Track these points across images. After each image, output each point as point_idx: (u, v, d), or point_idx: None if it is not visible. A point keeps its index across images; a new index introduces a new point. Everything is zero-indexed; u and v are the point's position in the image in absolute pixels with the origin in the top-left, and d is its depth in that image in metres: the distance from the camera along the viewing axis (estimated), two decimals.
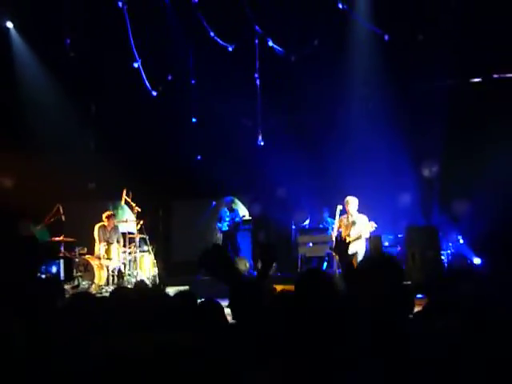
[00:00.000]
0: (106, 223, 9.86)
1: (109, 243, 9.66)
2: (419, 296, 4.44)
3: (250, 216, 12.44)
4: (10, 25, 11.36)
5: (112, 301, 3.08)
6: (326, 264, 10.46)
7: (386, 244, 10.11)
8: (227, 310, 2.77)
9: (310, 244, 10.65)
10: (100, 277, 9.44)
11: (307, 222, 11.49)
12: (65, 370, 2.01)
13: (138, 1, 10.31)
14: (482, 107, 10.21)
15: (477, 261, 9.93)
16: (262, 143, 11.19)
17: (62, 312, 2.56)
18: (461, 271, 8.99)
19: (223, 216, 11.42)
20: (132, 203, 10.30)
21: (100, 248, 9.64)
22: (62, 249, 9.73)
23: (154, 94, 11.10)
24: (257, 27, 10.58)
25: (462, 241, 10.26)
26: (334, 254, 8.38)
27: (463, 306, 2.49)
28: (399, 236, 10.23)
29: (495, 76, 10.81)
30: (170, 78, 11.46)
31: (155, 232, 11.84)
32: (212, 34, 10.62)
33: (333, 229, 8.79)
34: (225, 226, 11.35)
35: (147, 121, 11.74)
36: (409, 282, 8.13)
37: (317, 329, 1.97)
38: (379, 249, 9.85)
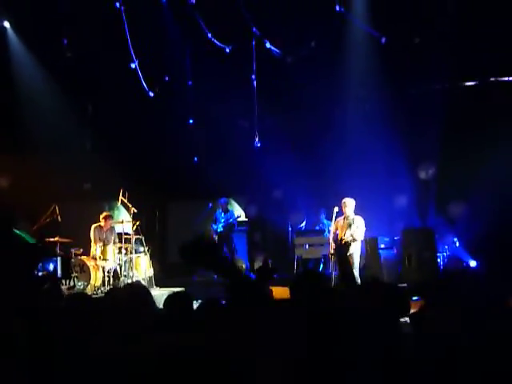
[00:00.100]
0: (102, 224, 9.84)
1: (105, 244, 9.64)
2: (415, 298, 4.46)
3: (246, 217, 12.43)
4: (7, 24, 11.35)
5: (107, 301, 3.07)
6: (322, 266, 10.47)
7: (382, 246, 10.11)
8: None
9: (307, 246, 10.65)
10: (96, 278, 9.41)
11: (304, 223, 11.50)
12: (65, 369, 2.01)
13: (135, 1, 10.30)
14: (478, 110, 10.25)
15: (472, 263, 9.94)
16: (259, 144, 11.19)
17: (60, 313, 2.55)
18: (456, 273, 9.01)
19: (218, 217, 11.42)
20: (128, 204, 10.28)
21: (96, 249, 9.62)
22: (58, 250, 9.70)
23: (151, 94, 11.10)
24: (254, 29, 10.58)
25: (457, 243, 10.28)
26: (331, 257, 8.35)
27: (458, 307, 2.49)
28: (395, 238, 10.23)
29: (491, 79, 10.85)
30: (167, 78, 11.46)
31: (151, 233, 11.83)
32: (209, 35, 10.63)
33: (329, 231, 8.79)
34: (220, 228, 11.36)
35: (144, 121, 11.73)
36: (405, 284, 8.17)
37: (314, 329, 1.96)
38: (375, 251, 9.87)
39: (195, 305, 3.21)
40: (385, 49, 10.29)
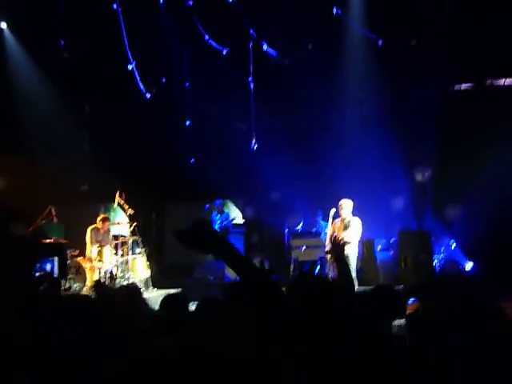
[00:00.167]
0: (99, 226, 9.81)
1: (101, 245, 9.62)
2: (411, 300, 4.46)
3: (243, 219, 12.44)
4: (3, 25, 11.34)
5: (101, 302, 3.07)
6: (318, 268, 10.47)
7: (379, 248, 10.13)
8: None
9: (303, 247, 10.64)
10: (92, 279, 9.39)
11: (300, 225, 11.50)
12: (63, 369, 2.01)
13: (132, 3, 10.30)
14: (474, 113, 10.29)
15: (468, 265, 9.97)
16: (256, 146, 11.20)
17: (58, 313, 2.55)
18: (452, 275, 9.05)
19: (213, 219, 11.44)
20: (125, 205, 10.26)
21: (92, 250, 9.60)
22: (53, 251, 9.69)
23: (148, 96, 11.10)
24: (251, 31, 10.60)
25: (454, 245, 10.30)
26: (329, 257, 8.33)
27: (453, 309, 2.50)
28: (392, 240, 10.25)
29: (488, 82, 10.89)
30: (164, 80, 11.46)
31: (148, 234, 11.81)
32: (206, 37, 10.64)
33: (326, 233, 8.79)
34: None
35: (141, 123, 11.73)
36: (401, 286, 8.18)
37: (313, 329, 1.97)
38: (372, 252, 9.88)
39: (192, 306, 3.21)
40: (382, 51, 10.32)
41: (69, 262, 9.56)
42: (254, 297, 1.99)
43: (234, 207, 12.81)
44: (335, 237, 8.00)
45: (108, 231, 9.99)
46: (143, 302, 3.19)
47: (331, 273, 8.15)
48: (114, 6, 10.20)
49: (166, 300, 3.30)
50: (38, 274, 8.69)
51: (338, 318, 2.08)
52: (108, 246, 9.72)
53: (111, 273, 9.70)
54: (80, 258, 9.63)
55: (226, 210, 11.83)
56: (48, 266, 9.41)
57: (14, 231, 10.07)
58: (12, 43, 11.42)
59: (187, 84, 11.59)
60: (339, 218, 8.24)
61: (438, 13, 9.64)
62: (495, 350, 1.97)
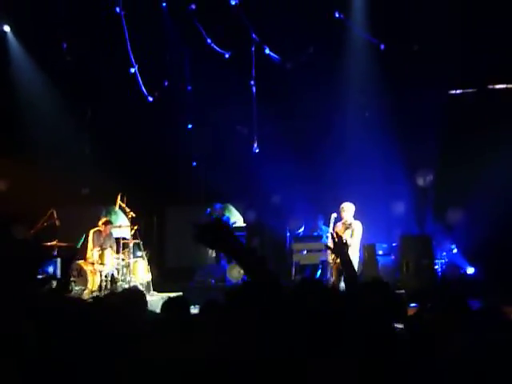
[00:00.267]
0: (101, 229, 9.83)
1: (102, 248, 9.62)
2: (413, 305, 4.46)
3: (244, 223, 12.44)
4: (7, 28, 11.38)
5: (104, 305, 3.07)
6: (319, 272, 10.45)
7: (380, 252, 10.12)
8: None
9: (304, 251, 10.63)
10: (93, 282, 9.40)
11: (302, 229, 11.49)
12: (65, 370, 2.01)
13: (135, 7, 10.33)
14: (476, 117, 10.29)
15: (470, 270, 9.95)
16: (258, 150, 11.21)
17: (62, 315, 2.55)
18: (454, 280, 9.03)
19: None
20: (126, 208, 10.27)
21: (93, 253, 9.60)
22: (56, 254, 9.68)
23: (150, 99, 11.12)
24: (253, 35, 10.62)
25: (455, 250, 10.28)
26: (330, 260, 8.29)
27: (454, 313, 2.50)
28: (393, 244, 10.24)
29: (489, 86, 10.90)
30: (166, 83, 11.48)
31: (149, 238, 11.81)
32: (209, 40, 10.66)
33: (327, 237, 8.77)
34: None
35: (143, 126, 11.74)
36: (402, 291, 8.17)
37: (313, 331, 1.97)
38: (373, 257, 9.87)
39: (193, 309, 3.21)
40: (384, 55, 10.34)
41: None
42: (257, 298, 1.99)
43: (235, 211, 12.81)
44: (339, 237, 7.94)
45: (110, 234, 10.01)
46: (145, 306, 3.19)
47: (332, 277, 8.13)
48: (117, 10, 10.23)
49: (167, 303, 3.30)
50: (40, 277, 8.69)
51: (340, 325, 2.07)
52: (109, 249, 9.73)
53: (112, 276, 9.70)
54: (81, 261, 9.64)
55: (226, 214, 11.84)
56: (50, 269, 9.41)
57: (14, 234, 10.07)
58: (15, 46, 11.46)
59: (189, 87, 11.61)
60: (341, 222, 8.23)
61: (439, 18, 9.64)
62: (495, 355, 1.96)
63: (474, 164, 9.85)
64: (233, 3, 10.27)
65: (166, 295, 8.10)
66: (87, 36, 10.82)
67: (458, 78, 10.65)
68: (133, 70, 10.63)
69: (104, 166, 11.10)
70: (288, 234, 11.54)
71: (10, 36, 11.45)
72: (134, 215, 10.21)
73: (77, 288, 9.29)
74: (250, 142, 11.27)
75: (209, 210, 11.54)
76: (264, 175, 10.69)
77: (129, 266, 9.89)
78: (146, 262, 10.25)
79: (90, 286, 9.32)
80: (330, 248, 7.93)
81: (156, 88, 11.26)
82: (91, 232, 9.77)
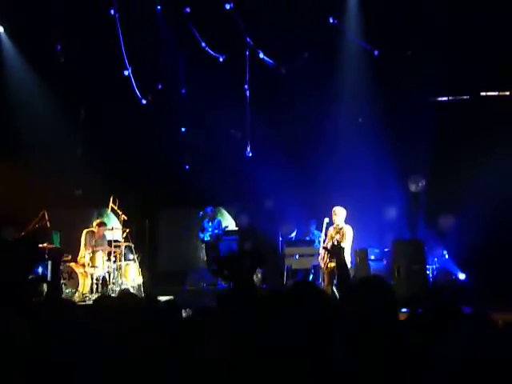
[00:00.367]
0: (95, 230, 9.79)
1: (94, 251, 9.58)
2: (403, 310, 4.46)
3: (236, 227, 12.44)
4: (0, 29, 11.34)
5: (95, 309, 3.06)
6: (311, 276, 10.46)
7: (372, 257, 10.13)
8: None
9: (297, 256, 10.65)
10: (84, 285, 9.35)
11: (294, 233, 11.51)
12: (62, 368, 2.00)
13: (129, 9, 10.32)
14: (468, 124, 10.36)
15: (461, 276, 9.99)
16: (251, 154, 11.21)
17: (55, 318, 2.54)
18: (445, 286, 9.06)
19: (205, 226, 11.46)
20: (118, 211, 10.24)
21: (85, 255, 9.56)
22: (47, 256, 9.62)
23: (144, 102, 11.10)
24: (248, 39, 10.64)
25: (447, 256, 10.32)
26: (322, 264, 8.28)
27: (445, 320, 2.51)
28: (385, 250, 10.26)
29: (482, 93, 10.97)
30: (159, 86, 11.47)
31: (141, 241, 11.78)
32: (203, 44, 10.67)
33: (319, 242, 8.78)
34: (207, 236, 11.41)
35: (136, 129, 11.71)
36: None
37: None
38: (365, 262, 9.88)
39: (184, 313, 3.20)
40: (377, 61, 10.38)
41: (61, 266, 9.51)
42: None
43: (227, 214, 12.82)
44: (336, 240, 7.94)
45: (103, 236, 9.97)
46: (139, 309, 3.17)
47: (323, 282, 8.14)
48: (112, 12, 10.21)
49: (160, 306, 3.28)
50: (31, 277, 8.66)
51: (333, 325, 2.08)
52: (101, 251, 9.68)
53: (103, 279, 9.66)
54: (72, 263, 9.59)
55: (218, 217, 11.84)
56: (39, 270, 9.34)
57: (5, 236, 10.01)
58: (8, 47, 11.42)
59: (183, 91, 11.61)
60: (332, 226, 8.23)
61: (432, 24, 9.71)
62: (483, 361, 1.97)
63: (466, 170, 9.91)
64: (227, 7, 10.28)
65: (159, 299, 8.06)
66: (81, 37, 10.80)
67: (451, 85, 10.72)
68: (127, 73, 10.61)
69: (97, 169, 11.07)
70: (280, 239, 11.55)
71: (4, 36, 11.42)
72: (126, 218, 10.18)
73: (67, 290, 9.24)
74: (243, 146, 11.27)
75: (201, 213, 11.54)
76: (257, 179, 10.70)
77: (120, 268, 9.85)
78: (138, 265, 10.21)
79: (80, 288, 9.27)
80: (327, 250, 7.97)
81: (150, 91, 11.25)
82: (84, 232, 9.73)
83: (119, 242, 10.08)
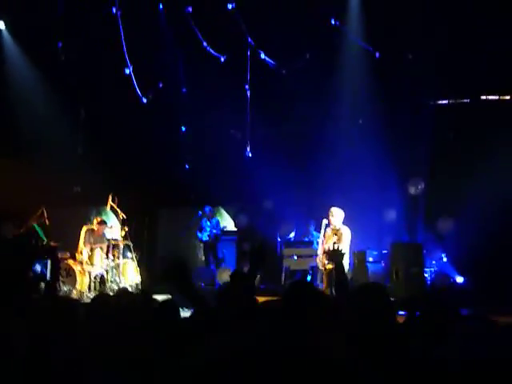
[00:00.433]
0: (95, 228, 9.78)
1: (92, 248, 9.57)
2: (402, 313, 4.46)
3: (235, 227, 12.44)
4: (1, 25, 11.32)
5: (94, 307, 3.06)
6: (310, 277, 10.46)
7: (371, 259, 10.13)
8: None
9: (295, 257, 10.64)
10: (82, 283, 9.34)
11: (292, 234, 11.51)
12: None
13: (131, 8, 10.31)
14: (468, 127, 10.37)
15: (459, 279, 9.99)
16: (250, 154, 11.21)
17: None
18: (443, 289, 9.06)
19: (203, 226, 11.46)
20: (117, 209, 10.23)
21: (83, 253, 9.55)
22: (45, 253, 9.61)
23: (145, 100, 11.09)
24: (249, 39, 10.64)
25: (445, 259, 10.33)
26: (320, 265, 8.27)
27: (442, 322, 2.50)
28: (383, 252, 10.27)
29: (482, 97, 10.98)
30: (160, 85, 11.46)
31: (140, 239, 11.77)
32: (204, 44, 10.66)
33: (318, 243, 8.77)
34: (205, 236, 11.40)
35: (136, 127, 11.71)
36: (392, 299, 8.18)
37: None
38: (363, 264, 9.88)
39: (184, 313, 3.20)
40: (378, 63, 10.39)
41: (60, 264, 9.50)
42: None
43: (226, 214, 12.81)
44: (336, 243, 7.92)
45: (103, 235, 9.96)
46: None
47: (322, 283, 8.13)
48: (113, 10, 10.20)
49: (158, 306, 3.28)
50: (31, 275, 8.66)
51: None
52: (99, 249, 9.67)
53: (102, 277, 9.65)
54: (70, 261, 9.58)
55: (217, 217, 11.84)
56: (38, 268, 9.33)
57: (4, 233, 10.00)
58: (10, 44, 11.40)
59: (184, 90, 11.60)
60: (330, 227, 8.22)
61: (434, 28, 9.71)
62: (482, 365, 1.97)
63: (466, 174, 9.92)
64: (230, 7, 10.28)
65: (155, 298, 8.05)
66: (83, 35, 10.78)
67: (451, 89, 10.73)
68: (128, 71, 10.60)
69: (96, 167, 11.06)
70: (279, 239, 11.55)
71: (5, 33, 11.40)
72: (125, 216, 10.17)
73: (65, 288, 9.23)
74: (243, 146, 11.26)
75: (200, 212, 11.54)
76: (256, 180, 10.69)
77: (118, 267, 9.84)
78: (136, 264, 10.21)
79: (78, 286, 9.26)
80: (326, 253, 7.96)
81: (150, 89, 11.24)
82: (84, 229, 9.72)
83: (118, 240, 10.07)
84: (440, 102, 11.20)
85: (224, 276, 10.38)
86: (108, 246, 9.85)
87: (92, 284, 9.43)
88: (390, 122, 10.57)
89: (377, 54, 10.38)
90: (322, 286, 8.10)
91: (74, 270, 9.34)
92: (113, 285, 9.57)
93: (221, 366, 1.40)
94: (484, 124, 10.20)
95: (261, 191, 11.25)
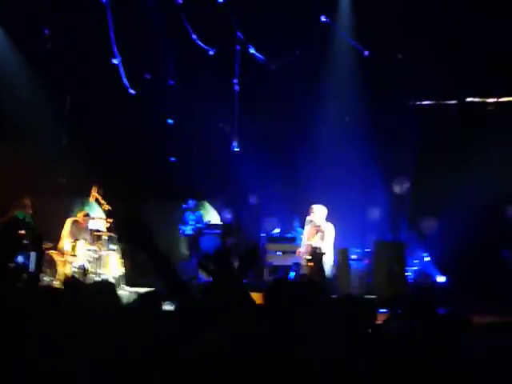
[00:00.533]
0: (80, 220, 9.73)
1: (76, 240, 9.51)
2: (383, 310, 4.50)
3: (220, 221, 12.41)
4: None
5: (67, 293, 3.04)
6: (293, 273, 10.48)
7: (354, 257, 10.18)
8: None
9: (278, 253, 10.65)
10: (63, 273, 9.26)
11: (277, 230, 11.51)
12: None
13: None
14: (454, 128, 10.46)
15: (441, 279, 10.09)
16: (237, 149, 11.19)
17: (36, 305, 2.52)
18: (424, 288, 9.15)
19: (187, 219, 11.43)
20: (102, 201, 10.15)
21: (65, 243, 9.48)
22: (27, 243, 9.50)
23: (132, 92, 11.00)
24: (239, 33, 10.60)
25: (427, 258, 10.41)
26: (303, 262, 8.31)
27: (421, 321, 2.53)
28: (366, 250, 10.32)
29: (468, 99, 11.08)
30: (148, 76, 11.37)
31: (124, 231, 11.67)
32: (194, 36, 10.59)
33: (301, 239, 8.80)
34: (188, 230, 11.37)
35: (123, 118, 11.60)
36: (374, 296, 8.23)
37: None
38: (346, 261, 9.93)
39: (166, 306, 3.19)
40: (367, 62, 10.41)
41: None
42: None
43: (211, 208, 12.78)
44: (317, 248, 7.96)
45: (87, 228, 9.90)
46: (116, 298, 3.15)
47: (307, 275, 8.16)
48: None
49: (140, 299, 3.27)
50: (12, 265, 8.54)
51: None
52: (82, 240, 9.61)
53: (84, 268, 9.57)
54: (52, 251, 9.49)
55: (201, 211, 11.81)
56: (20, 259, 9.22)
57: None
58: None
59: (171, 82, 11.51)
60: (311, 224, 8.25)
61: (424, 28, 9.76)
62: (464, 363, 1.99)
63: (450, 174, 10.01)
64: (220, 0, 10.22)
65: (137, 290, 8.03)
66: (70, 23, 10.65)
67: (438, 90, 10.81)
68: (116, 61, 10.49)
69: (81, 157, 10.95)
70: (263, 235, 11.55)
71: None
72: (109, 208, 10.10)
73: (46, 279, 9.13)
74: (229, 141, 11.24)
75: (184, 206, 11.50)
76: (242, 174, 10.68)
77: (101, 258, 9.77)
78: (119, 256, 10.14)
79: (59, 277, 9.18)
80: (309, 259, 8.02)
81: (138, 81, 11.15)
82: (69, 221, 9.66)
83: (101, 231, 10.00)
84: (426, 102, 11.28)
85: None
86: (92, 238, 9.79)
87: (74, 275, 9.34)
88: (377, 121, 10.61)
89: (365, 53, 10.40)
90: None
91: (55, 261, 9.25)
92: (95, 276, 9.50)
93: (207, 364, 1.39)
94: (469, 126, 10.30)
95: (246, 186, 11.24)
